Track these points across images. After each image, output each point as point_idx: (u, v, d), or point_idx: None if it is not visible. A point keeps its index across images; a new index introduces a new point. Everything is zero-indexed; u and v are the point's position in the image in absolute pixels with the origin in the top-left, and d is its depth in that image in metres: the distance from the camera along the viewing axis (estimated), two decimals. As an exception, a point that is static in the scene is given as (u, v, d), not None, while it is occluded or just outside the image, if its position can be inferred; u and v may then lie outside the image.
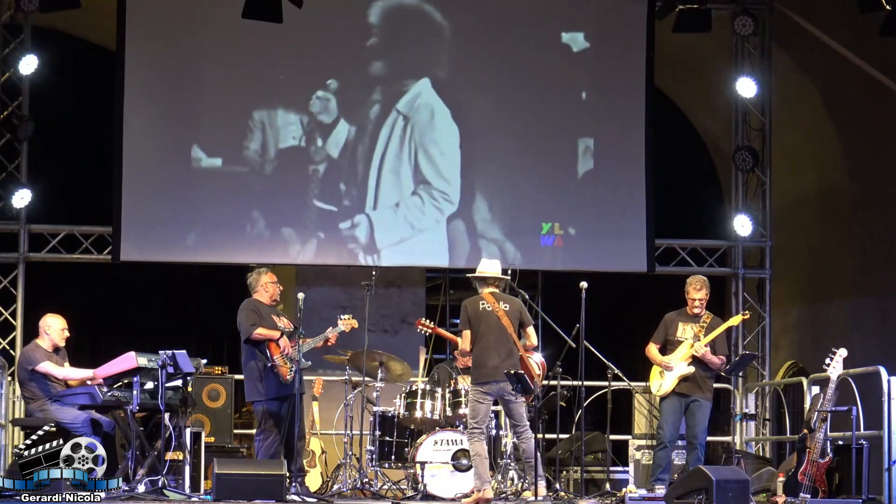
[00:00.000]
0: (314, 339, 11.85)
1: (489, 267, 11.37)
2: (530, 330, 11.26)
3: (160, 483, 10.92)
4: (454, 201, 14.71)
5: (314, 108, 14.61)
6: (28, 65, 14.28)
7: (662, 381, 11.74)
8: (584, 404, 12.30)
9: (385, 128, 14.69)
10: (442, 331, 11.97)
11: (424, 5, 14.78)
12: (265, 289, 11.81)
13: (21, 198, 14.38)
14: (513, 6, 14.90)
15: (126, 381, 11.18)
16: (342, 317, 12.06)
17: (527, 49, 14.86)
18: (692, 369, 11.64)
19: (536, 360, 11.46)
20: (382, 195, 14.65)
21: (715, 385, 12.18)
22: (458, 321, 15.28)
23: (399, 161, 14.67)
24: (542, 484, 11.13)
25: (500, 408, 11.89)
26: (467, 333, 11.13)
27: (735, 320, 12.35)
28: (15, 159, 14.55)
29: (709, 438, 12.45)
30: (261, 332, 11.50)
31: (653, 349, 11.84)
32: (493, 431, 12.05)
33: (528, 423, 11.20)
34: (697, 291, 11.80)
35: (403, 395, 12.26)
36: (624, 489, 11.86)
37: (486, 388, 11.08)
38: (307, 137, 14.62)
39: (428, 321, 12.08)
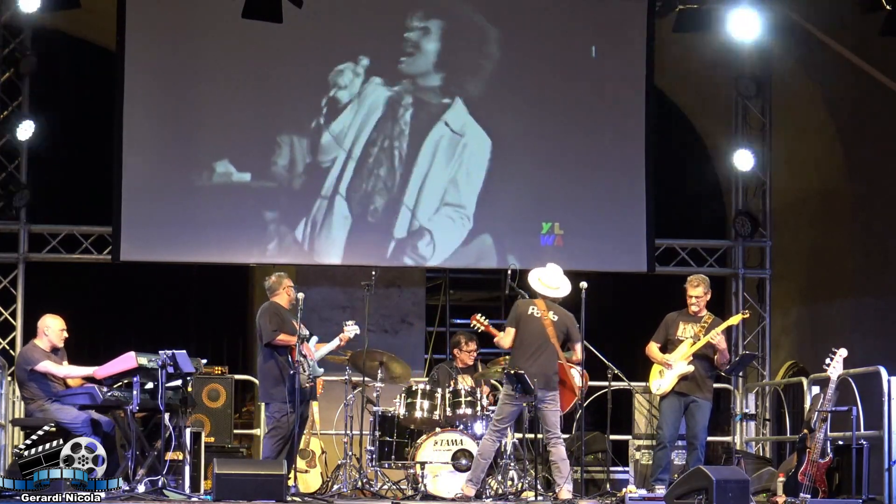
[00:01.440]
0: (327, 347, 12.00)
1: (553, 280, 11.46)
2: (578, 346, 11.42)
3: (160, 483, 10.92)
4: (471, 216, 14.74)
5: (332, 95, 14.62)
6: (28, 65, 14.28)
7: (662, 381, 11.73)
8: (584, 404, 12.30)
9: (430, 140, 14.70)
10: (494, 330, 11.99)
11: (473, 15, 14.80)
12: (287, 292, 11.87)
13: (21, 198, 14.38)
14: (513, 7, 14.91)
15: (126, 381, 11.17)
16: (347, 323, 12.15)
17: (526, 50, 14.86)
18: (691, 368, 11.63)
19: (578, 371, 11.54)
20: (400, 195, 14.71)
21: (715, 385, 12.18)
22: (458, 321, 15.45)
23: (433, 173, 14.70)
24: (567, 488, 11.17)
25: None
26: (511, 331, 11.32)
27: (735, 319, 12.35)
28: (15, 159, 14.55)
29: (709, 438, 12.44)
30: (283, 338, 11.58)
31: (653, 348, 11.84)
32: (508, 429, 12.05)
33: (559, 432, 11.26)
34: (694, 288, 11.80)
35: (403, 395, 12.27)
36: (624, 489, 11.85)
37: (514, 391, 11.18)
38: (310, 136, 14.61)
39: (483, 318, 11.90)
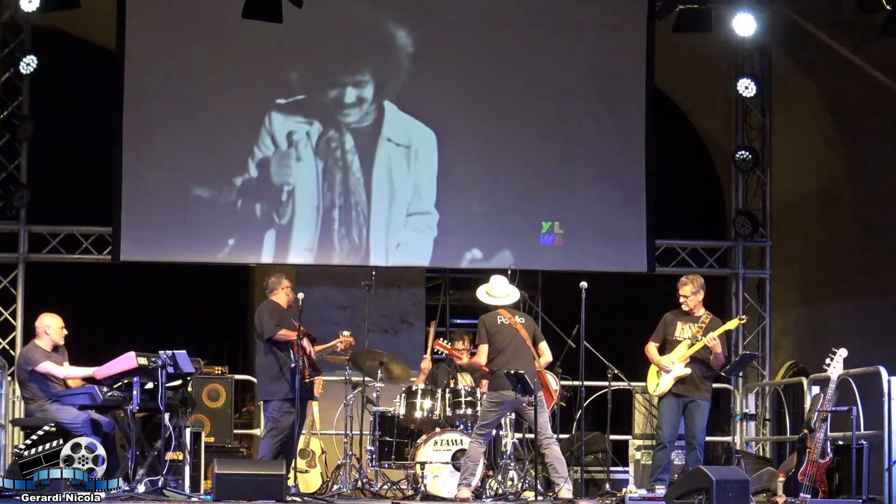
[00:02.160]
0: (323, 348, 12.03)
1: (501, 290, 11.47)
2: (543, 346, 11.43)
3: (160, 483, 10.92)
4: (436, 211, 14.75)
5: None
6: (28, 65, 14.27)
7: (659, 382, 11.73)
8: (584, 404, 12.31)
9: (380, 155, 14.69)
10: (455, 352, 12.19)
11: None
12: (285, 292, 11.90)
13: (21, 198, 14.38)
14: (511, 6, 14.90)
15: (126, 381, 11.18)
16: (344, 333, 12.18)
17: (527, 49, 14.85)
18: (688, 371, 11.63)
19: (551, 373, 11.57)
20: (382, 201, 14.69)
21: (715, 385, 12.18)
22: (458, 321, 15.43)
23: (397, 181, 14.70)
24: (567, 487, 11.15)
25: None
26: (484, 348, 11.30)
27: (732, 324, 12.27)
28: (15, 159, 14.56)
29: (709, 438, 12.46)
30: (284, 332, 11.61)
31: (652, 348, 11.84)
32: (493, 432, 12.05)
33: (550, 431, 11.24)
34: (683, 287, 11.82)
35: (403, 395, 12.27)
36: (624, 489, 11.86)
37: (499, 397, 11.20)
38: (309, 137, 14.61)
39: (444, 341, 12.36)
